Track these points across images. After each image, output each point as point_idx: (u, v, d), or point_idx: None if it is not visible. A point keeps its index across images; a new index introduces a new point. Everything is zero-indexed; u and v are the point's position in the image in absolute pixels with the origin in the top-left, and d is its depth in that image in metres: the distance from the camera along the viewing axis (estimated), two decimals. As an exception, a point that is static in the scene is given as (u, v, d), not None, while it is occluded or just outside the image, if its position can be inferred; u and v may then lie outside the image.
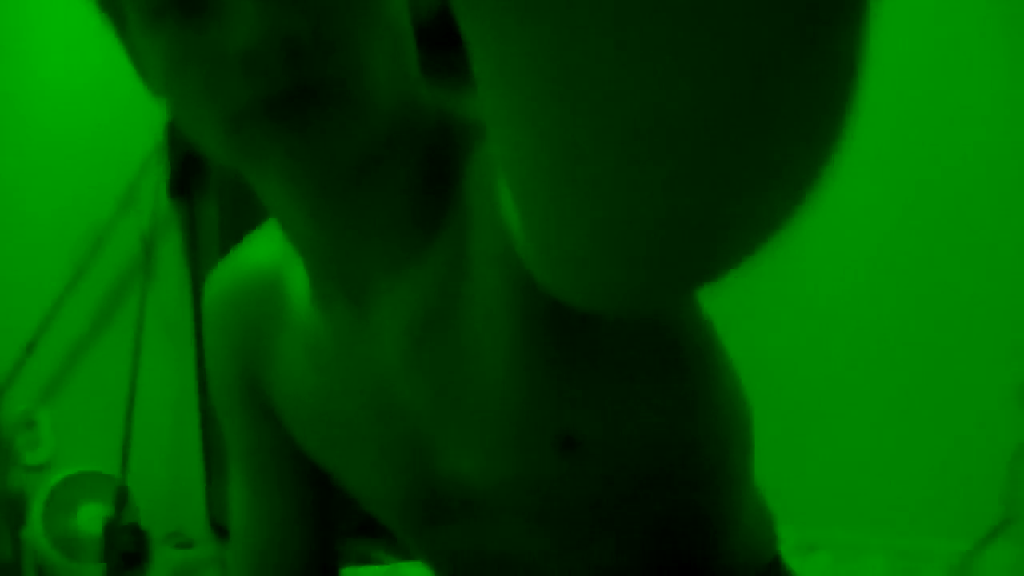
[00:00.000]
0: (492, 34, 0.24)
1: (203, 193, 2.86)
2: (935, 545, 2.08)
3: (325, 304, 0.78)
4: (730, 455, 0.83)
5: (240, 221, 0.89)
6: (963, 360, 2.06)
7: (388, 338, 0.74)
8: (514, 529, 0.79)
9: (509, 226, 0.53)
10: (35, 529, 2.69)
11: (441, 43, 0.70)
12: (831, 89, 0.25)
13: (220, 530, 2.99)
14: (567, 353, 0.70)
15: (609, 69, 0.23)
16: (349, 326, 0.77)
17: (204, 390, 2.97)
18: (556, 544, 0.79)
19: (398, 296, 0.73)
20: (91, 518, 2.75)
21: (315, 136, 0.62)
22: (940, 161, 2.08)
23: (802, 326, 2.35)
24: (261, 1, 0.59)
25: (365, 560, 2.38)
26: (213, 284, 0.89)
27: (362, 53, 0.62)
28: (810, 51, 0.23)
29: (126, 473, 2.80)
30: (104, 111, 2.95)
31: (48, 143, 2.95)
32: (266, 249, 0.85)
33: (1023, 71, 1.88)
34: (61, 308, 2.87)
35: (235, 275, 0.87)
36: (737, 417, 0.82)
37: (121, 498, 2.76)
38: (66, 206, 2.93)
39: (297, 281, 0.81)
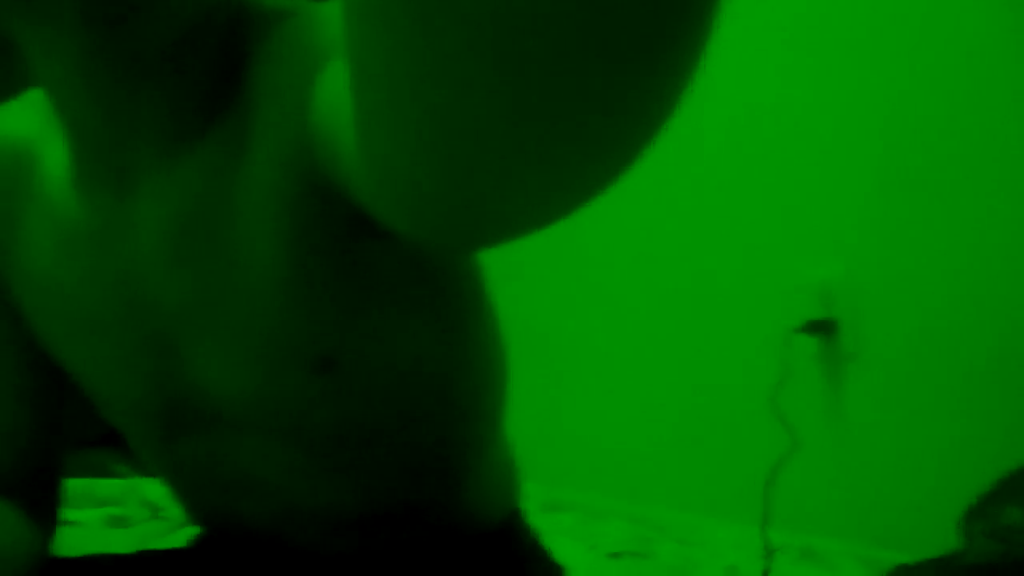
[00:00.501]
0: None
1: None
2: (672, 517, 2.16)
3: (85, 188, 0.73)
4: (482, 400, 0.83)
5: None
6: (721, 345, 2.13)
7: (150, 230, 0.70)
8: (257, 448, 0.76)
9: (331, 141, 0.52)
10: None
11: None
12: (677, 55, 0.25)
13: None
14: (335, 273, 0.68)
15: None
16: (109, 214, 0.72)
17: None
18: (298, 468, 0.77)
19: (166, 187, 0.69)
20: None
21: (120, 13, 0.59)
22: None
23: (572, 289, 2.39)
24: None
25: (103, 472, 2.29)
26: None
27: None
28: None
29: None
30: None
31: None
32: (20, 119, 0.78)
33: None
34: None
35: None
36: (493, 364, 0.83)
37: None
38: None
39: (54, 159, 0.75)
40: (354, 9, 0.25)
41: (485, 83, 0.24)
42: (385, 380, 0.74)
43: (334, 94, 0.52)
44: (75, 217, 0.74)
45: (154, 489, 2.15)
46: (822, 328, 1.95)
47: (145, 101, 0.66)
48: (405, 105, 0.27)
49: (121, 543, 1.91)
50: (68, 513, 2.03)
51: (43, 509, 0.85)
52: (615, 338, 2.32)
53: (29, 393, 0.83)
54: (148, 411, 0.78)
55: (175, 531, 1.89)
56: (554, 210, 0.31)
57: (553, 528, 2.01)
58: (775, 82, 1.98)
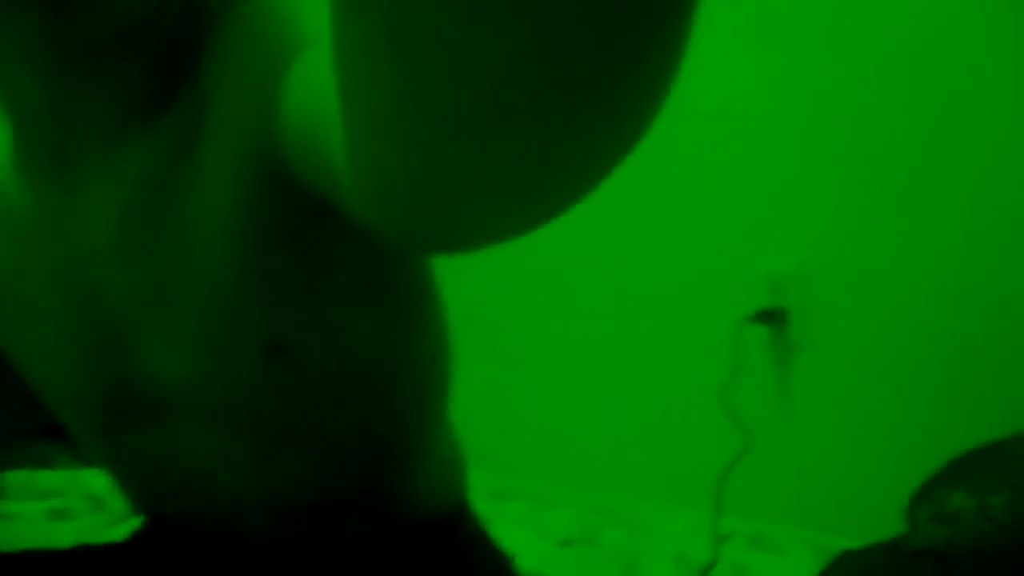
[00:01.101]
0: None
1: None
2: (622, 505, 2.17)
3: (29, 175, 0.71)
4: (428, 387, 0.83)
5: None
6: (672, 333, 2.14)
7: (97, 217, 0.69)
8: (204, 437, 0.75)
9: (307, 138, 0.51)
10: None
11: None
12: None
13: None
14: (287, 260, 0.67)
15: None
16: (54, 199, 0.70)
17: None
18: (245, 457, 0.77)
19: (114, 173, 0.68)
20: None
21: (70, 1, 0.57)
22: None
23: (522, 275, 2.38)
24: None
25: (44, 464, 2.25)
26: None
27: None
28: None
29: None
30: None
31: None
32: None
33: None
34: None
35: None
36: (440, 351, 0.83)
37: None
38: None
39: None
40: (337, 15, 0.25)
41: (472, 81, 0.24)
42: (334, 367, 0.73)
43: (308, 90, 0.51)
44: (16, 199, 0.72)
45: (97, 481, 2.12)
46: (773, 317, 1.96)
47: (93, 88, 0.65)
48: (394, 111, 0.26)
49: (63, 536, 1.88)
50: (9, 506, 1.99)
51: None
52: (565, 325, 2.31)
53: None
54: (94, 400, 0.76)
55: (118, 524, 1.86)
56: (534, 216, 0.31)
57: (502, 516, 2.01)
58: (728, 72, 1.99)
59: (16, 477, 2.10)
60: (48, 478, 2.19)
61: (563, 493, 2.27)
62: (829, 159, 1.88)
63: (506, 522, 1.99)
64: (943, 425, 1.79)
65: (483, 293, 2.41)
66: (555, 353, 2.33)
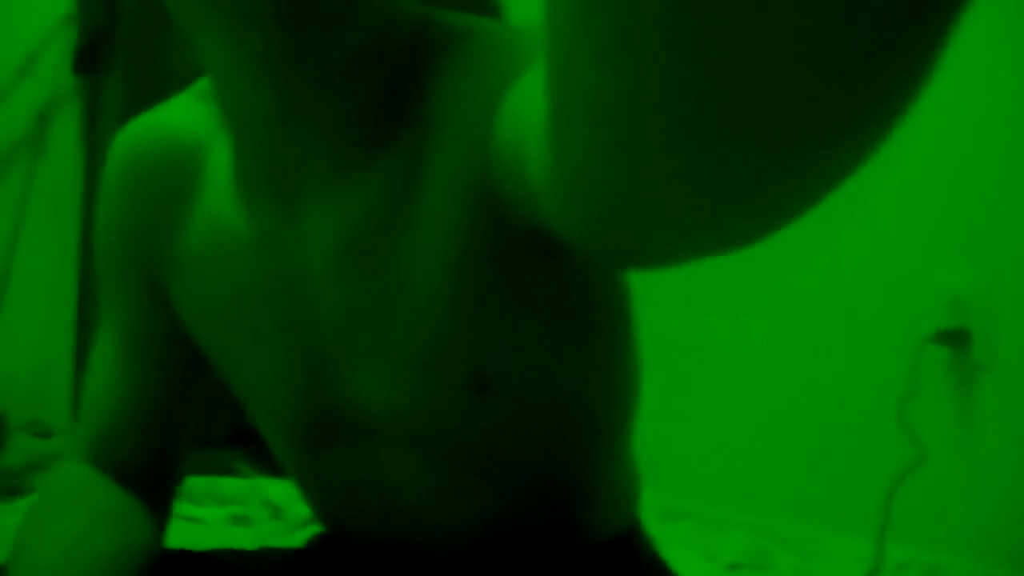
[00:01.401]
0: None
1: (110, 72, 2.74)
2: (792, 529, 2.12)
3: (249, 195, 0.73)
4: (620, 418, 0.83)
5: (147, 106, 0.83)
6: (849, 353, 2.08)
7: (318, 246, 0.70)
8: (402, 462, 0.76)
9: (516, 157, 0.51)
10: None
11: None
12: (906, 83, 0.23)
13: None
14: (500, 294, 0.68)
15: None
16: (273, 224, 0.72)
17: (84, 279, 2.87)
18: (439, 483, 0.77)
19: (337, 200, 0.69)
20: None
21: (313, 11, 0.58)
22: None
23: (695, 292, 2.35)
24: None
25: (228, 471, 2.34)
26: (122, 142, 0.82)
27: None
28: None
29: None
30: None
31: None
32: (191, 115, 0.79)
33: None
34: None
35: (150, 136, 0.80)
36: (632, 382, 0.82)
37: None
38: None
39: (222, 158, 0.76)
40: (556, 17, 0.24)
41: (689, 95, 0.23)
42: (534, 401, 0.74)
43: (521, 110, 0.51)
44: (237, 221, 0.74)
45: (276, 489, 2.19)
46: (954, 338, 1.88)
47: (321, 108, 0.66)
48: (606, 123, 0.25)
49: (242, 541, 1.94)
50: (191, 510, 2.08)
51: (160, 500, 0.86)
52: (738, 344, 2.28)
53: (164, 385, 0.85)
54: (297, 420, 0.78)
55: (296, 531, 1.92)
56: (737, 237, 0.29)
57: (671, 538, 1.99)
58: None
59: (199, 483, 2.18)
60: (229, 485, 2.27)
61: (733, 515, 2.23)
62: (1016, 174, 1.80)
63: (674, 544, 1.97)
64: None
65: (656, 309, 2.39)
66: (727, 371, 2.30)
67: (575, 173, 0.31)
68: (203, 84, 0.79)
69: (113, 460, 0.84)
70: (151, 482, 0.85)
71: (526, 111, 0.48)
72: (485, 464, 0.76)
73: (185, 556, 0.86)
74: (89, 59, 2.81)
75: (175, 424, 0.87)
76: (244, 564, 0.90)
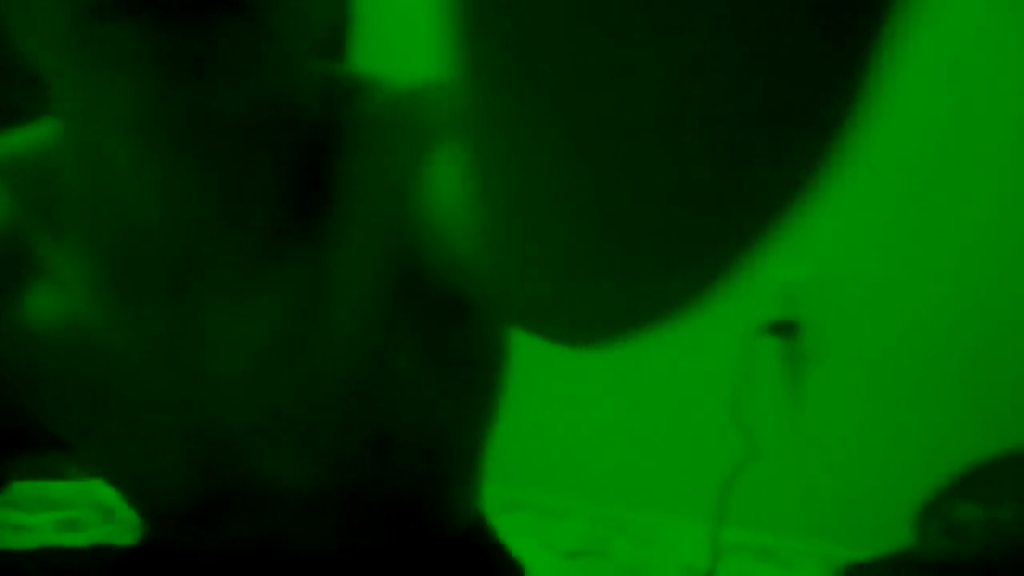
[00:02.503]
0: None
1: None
2: (629, 516, 2.16)
3: (119, 296, 0.62)
4: (486, 436, 0.83)
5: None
6: (683, 345, 2.14)
7: (222, 351, 0.63)
8: (293, 517, 0.76)
9: (442, 240, 0.47)
10: None
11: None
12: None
13: None
14: (415, 362, 0.66)
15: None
16: (156, 328, 0.62)
17: None
18: (327, 524, 0.77)
19: (246, 307, 0.61)
20: None
21: (213, 56, 0.45)
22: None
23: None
24: None
25: (54, 475, 2.26)
26: None
27: None
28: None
29: None
30: None
31: None
32: (42, 139, 0.65)
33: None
34: None
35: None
36: (499, 406, 0.83)
37: None
38: None
39: (57, 251, 0.64)
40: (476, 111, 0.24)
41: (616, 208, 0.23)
42: (427, 443, 0.74)
43: (444, 191, 0.46)
44: (95, 323, 0.63)
45: (107, 492, 2.12)
46: (784, 329, 1.96)
47: (222, 184, 0.55)
48: (532, 232, 0.26)
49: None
50: (19, 517, 2.00)
51: None
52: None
53: None
54: (187, 498, 0.73)
55: (128, 534, 1.86)
56: (682, 311, 0.30)
57: (510, 527, 2.01)
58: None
59: (26, 488, 2.10)
60: (58, 489, 2.19)
61: (571, 504, 2.27)
62: (842, 169, 1.88)
63: (514, 533, 1.99)
64: (952, 437, 1.79)
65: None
66: (564, 364, 2.33)
67: (507, 278, 0.32)
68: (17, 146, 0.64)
69: None
70: None
71: (445, 195, 0.46)
72: (370, 501, 0.76)
73: (12, 557, 0.83)
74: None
75: None
76: (73, 564, 0.87)
